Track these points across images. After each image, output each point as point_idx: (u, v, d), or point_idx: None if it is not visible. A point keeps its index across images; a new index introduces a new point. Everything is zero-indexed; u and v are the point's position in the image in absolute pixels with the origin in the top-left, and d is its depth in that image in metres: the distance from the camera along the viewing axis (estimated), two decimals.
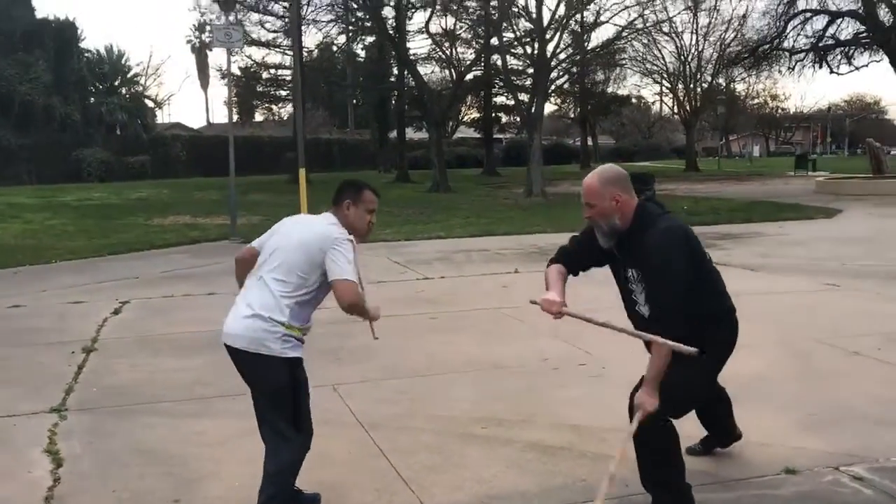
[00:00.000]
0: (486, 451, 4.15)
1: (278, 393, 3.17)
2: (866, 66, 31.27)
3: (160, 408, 4.97)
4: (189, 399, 5.13)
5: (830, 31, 30.74)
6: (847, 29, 30.63)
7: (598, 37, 38.59)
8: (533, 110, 26.94)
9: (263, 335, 3.11)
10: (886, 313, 7.37)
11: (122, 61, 48.67)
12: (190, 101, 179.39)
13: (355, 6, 32.70)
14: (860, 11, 28.64)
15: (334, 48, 40.00)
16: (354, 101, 51.68)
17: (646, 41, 41.24)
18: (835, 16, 30.09)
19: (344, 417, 4.65)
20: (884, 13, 28.26)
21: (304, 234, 3.23)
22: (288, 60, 36.37)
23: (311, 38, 39.22)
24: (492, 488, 3.68)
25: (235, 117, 31.20)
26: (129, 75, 49.49)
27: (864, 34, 29.45)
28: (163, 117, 59.30)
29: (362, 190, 3.37)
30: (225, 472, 3.96)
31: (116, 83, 47.80)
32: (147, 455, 4.17)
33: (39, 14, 40.40)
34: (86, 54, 44.51)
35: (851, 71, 31.63)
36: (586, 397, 4.98)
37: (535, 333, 6.72)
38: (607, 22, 32.65)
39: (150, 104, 51.86)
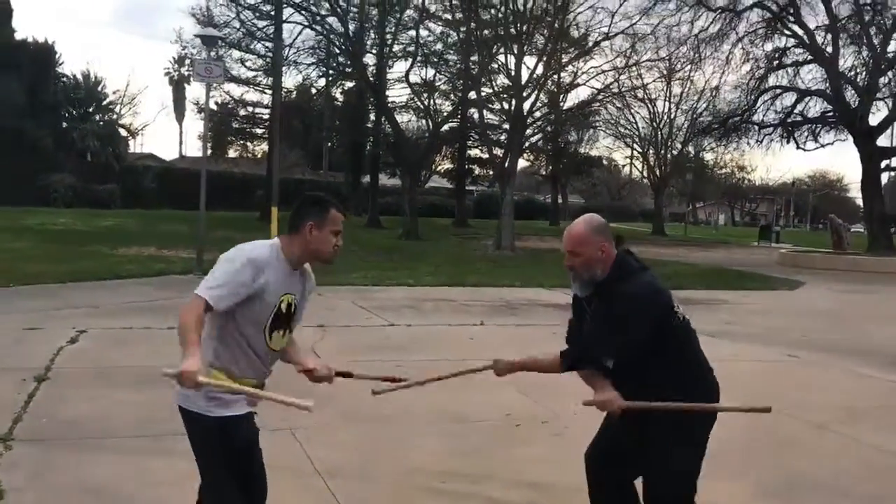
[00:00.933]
0: None
1: (207, 456, 2.80)
2: (832, 143, 32.22)
3: (111, 443, 4.81)
4: (141, 435, 4.98)
5: (799, 108, 31.69)
6: (815, 107, 31.63)
7: (574, 97, 39.41)
8: (506, 165, 27.24)
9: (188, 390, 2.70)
10: (845, 387, 7.46)
11: (99, 88, 48.37)
12: (164, 133, 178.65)
13: (337, 51, 33.05)
14: (828, 91, 29.61)
15: (313, 90, 40.29)
16: (330, 143, 51.89)
17: (620, 105, 42.17)
18: (803, 94, 31.07)
19: (302, 464, 4.54)
20: (850, 95, 29.24)
21: None
22: (266, 99, 36.53)
23: (290, 79, 39.45)
24: None
25: (209, 152, 31.12)
26: (104, 103, 49.11)
27: (831, 113, 30.41)
28: (135, 147, 58.84)
29: (328, 209, 2.86)
30: None
31: (91, 109, 47.39)
32: (94, 493, 4.02)
33: (19, 35, 40.18)
34: (62, 79, 44.23)
35: (817, 148, 32.57)
36: (548, 455, 4.92)
37: (500, 388, 6.65)
38: (584, 84, 33.20)
39: (124, 133, 51.50)
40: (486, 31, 27.90)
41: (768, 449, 5.31)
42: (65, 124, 43.38)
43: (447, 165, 51.51)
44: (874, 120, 28.52)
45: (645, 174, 53.99)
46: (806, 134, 32.41)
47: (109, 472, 4.32)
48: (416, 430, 5.37)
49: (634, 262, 3.14)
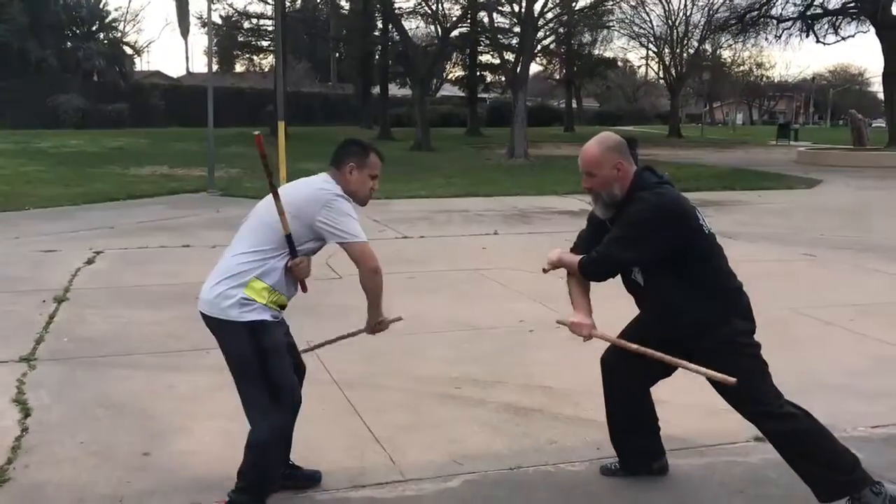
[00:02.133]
0: (460, 412, 4.16)
1: (242, 361, 2.96)
2: (853, 36, 31.73)
3: (131, 360, 4.92)
4: (161, 352, 5.08)
5: None
6: None
7: None
8: (518, 70, 26.66)
9: (221, 300, 2.92)
10: (861, 284, 7.45)
11: (101, 6, 47.38)
12: (170, 50, 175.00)
13: None
14: None
15: None
16: (337, 54, 50.95)
17: (634, 3, 40.94)
18: None
19: (319, 374, 4.61)
20: None
21: (293, 194, 3.04)
22: (270, 10, 35.69)
23: None
24: (464, 448, 3.69)
25: (215, 67, 30.61)
26: (107, 20, 48.18)
27: (852, 4, 29.36)
28: (142, 65, 58.06)
29: (368, 153, 3.16)
30: (195, 426, 3.93)
31: (94, 28, 46.54)
32: (117, 408, 4.13)
33: None
34: None
35: (838, 41, 31.70)
36: (561, 360, 4.98)
37: (513, 295, 6.72)
38: None
39: (129, 51, 50.66)
40: None
41: (778, 349, 5.32)
42: (69, 44, 42.74)
43: (458, 73, 50.49)
44: None
45: (661, 75, 52.88)
46: (826, 27, 31.47)
47: (131, 388, 4.43)
48: (429, 340, 5.44)
49: (654, 177, 3.09)
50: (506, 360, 4.99)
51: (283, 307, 3.04)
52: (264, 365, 2.93)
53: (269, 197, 3.01)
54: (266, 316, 2.95)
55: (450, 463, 3.54)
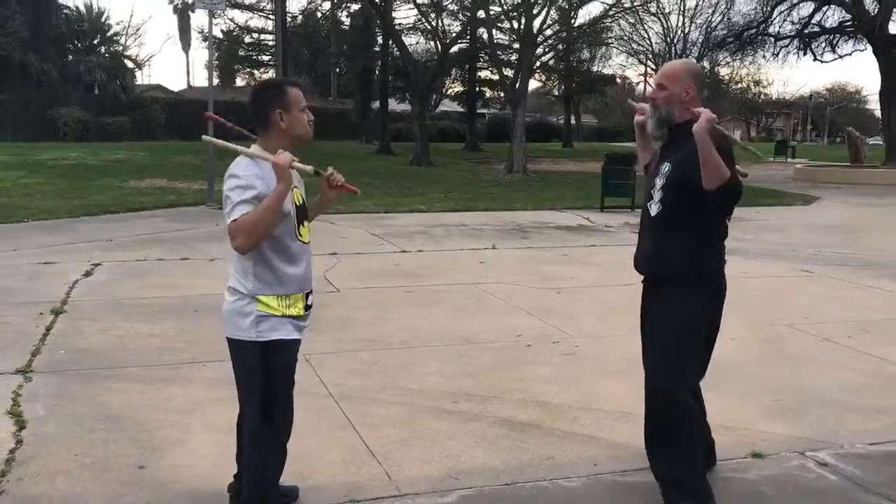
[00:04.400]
0: (456, 426, 4.14)
1: (245, 378, 2.83)
2: (850, 54, 31.47)
3: (128, 373, 4.90)
4: (158, 365, 5.07)
5: (816, 18, 30.79)
6: (833, 17, 30.72)
7: (585, 14, 38.43)
8: (517, 86, 26.77)
9: (234, 316, 2.79)
10: (858, 301, 7.46)
11: (102, 19, 47.58)
12: (171, 63, 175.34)
13: None
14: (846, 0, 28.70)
15: (319, 15, 39.51)
16: (338, 69, 51.12)
17: (632, 20, 41.10)
18: (821, 3, 30.09)
19: (315, 388, 4.62)
20: (870, 2, 28.31)
21: None
22: (271, 25, 35.93)
23: (295, 4, 38.85)
24: (460, 463, 3.68)
25: (216, 81, 30.70)
26: (108, 34, 48.37)
27: (850, 22, 29.53)
28: (143, 78, 58.11)
29: (284, 89, 2.79)
30: (192, 439, 3.92)
31: (96, 42, 46.71)
32: (113, 420, 4.12)
33: None
34: (65, 11, 43.49)
35: (835, 59, 31.77)
36: (558, 375, 4.98)
37: (510, 310, 6.72)
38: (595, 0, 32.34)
39: (130, 65, 50.81)
40: None
41: (776, 364, 5.35)
42: (70, 57, 42.88)
43: (458, 88, 50.65)
44: (894, 28, 27.66)
45: None
46: (823, 45, 31.60)
47: (127, 400, 4.41)
48: (425, 353, 5.43)
49: None
50: (503, 375, 4.98)
51: (306, 309, 2.89)
52: (267, 384, 2.81)
53: None
54: (282, 334, 2.80)
55: (446, 478, 3.53)
